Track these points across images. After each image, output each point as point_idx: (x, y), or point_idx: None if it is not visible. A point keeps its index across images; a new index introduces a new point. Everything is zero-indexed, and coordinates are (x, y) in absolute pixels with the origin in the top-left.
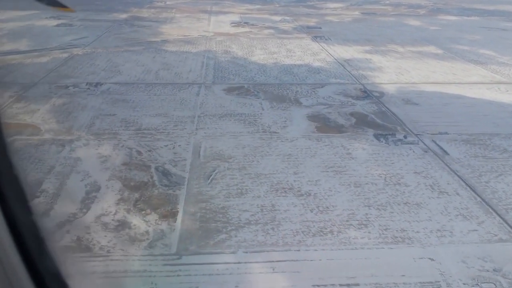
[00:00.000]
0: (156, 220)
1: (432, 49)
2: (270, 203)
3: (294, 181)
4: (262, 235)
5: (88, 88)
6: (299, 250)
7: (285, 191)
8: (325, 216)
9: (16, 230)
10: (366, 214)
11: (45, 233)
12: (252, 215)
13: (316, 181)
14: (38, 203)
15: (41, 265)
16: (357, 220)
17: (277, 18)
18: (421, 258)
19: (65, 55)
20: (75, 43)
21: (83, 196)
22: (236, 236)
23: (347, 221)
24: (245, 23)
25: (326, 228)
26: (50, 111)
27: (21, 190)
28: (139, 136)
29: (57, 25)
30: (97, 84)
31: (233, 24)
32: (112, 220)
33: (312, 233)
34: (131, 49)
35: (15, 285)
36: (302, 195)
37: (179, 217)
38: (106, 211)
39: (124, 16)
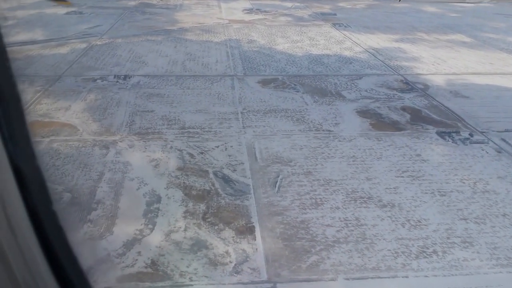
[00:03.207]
0: (233, 237)
1: (459, 37)
2: (353, 216)
3: (370, 188)
4: (359, 257)
5: (117, 81)
6: (407, 277)
7: (364, 201)
8: (421, 232)
9: (37, 221)
10: (466, 229)
11: (66, 226)
12: (338, 231)
13: (394, 188)
14: (97, 217)
15: (62, 256)
16: (458, 236)
17: (288, 4)
18: None
19: (84, 45)
20: (90, 32)
21: (145, 208)
22: (329, 258)
23: (447, 238)
24: (257, 9)
25: (427, 248)
26: (83, 107)
27: (43, 181)
28: (186, 136)
29: (68, 13)
30: (126, 77)
31: (246, 11)
32: (184, 238)
33: (414, 254)
34: (150, 38)
35: (36, 275)
36: (385, 205)
37: (258, 233)
38: (174, 227)
39: (133, 3)
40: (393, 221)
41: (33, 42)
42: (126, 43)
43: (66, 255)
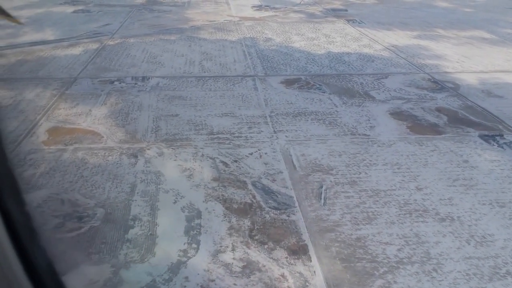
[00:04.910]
0: (286, 258)
1: (478, 33)
2: (412, 232)
3: (423, 200)
4: (428, 280)
5: (136, 84)
6: None
7: (420, 215)
8: (488, 250)
9: (10, 222)
10: None
11: (39, 226)
12: (399, 249)
13: (449, 199)
14: (135, 236)
15: (35, 258)
16: None
17: (297, 0)
18: None
19: (96, 45)
20: (100, 31)
21: (185, 224)
22: (395, 282)
23: None
24: (266, 6)
25: (500, 268)
26: (104, 112)
27: (15, 182)
28: (216, 142)
29: (75, 12)
30: (144, 79)
31: (255, 8)
32: (234, 259)
33: (487, 276)
34: (162, 37)
35: (10, 277)
36: (443, 219)
37: (312, 253)
38: (221, 246)
39: (140, 0)
40: (456, 237)
41: (43, 42)
42: (139, 42)
43: (39, 256)
